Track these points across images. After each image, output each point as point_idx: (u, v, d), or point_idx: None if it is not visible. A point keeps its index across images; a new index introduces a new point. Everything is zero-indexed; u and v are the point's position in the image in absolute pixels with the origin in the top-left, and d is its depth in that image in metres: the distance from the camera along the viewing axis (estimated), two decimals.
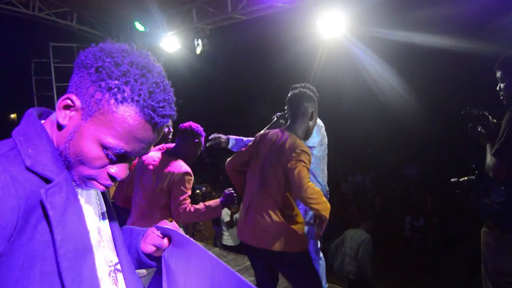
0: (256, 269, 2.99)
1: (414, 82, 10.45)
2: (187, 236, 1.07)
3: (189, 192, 3.03)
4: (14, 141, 0.88)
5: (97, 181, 0.94)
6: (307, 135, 2.87)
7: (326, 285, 3.89)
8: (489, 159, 2.44)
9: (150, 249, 1.16)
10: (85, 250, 0.90)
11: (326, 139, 3.68)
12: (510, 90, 2.47)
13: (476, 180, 2.66)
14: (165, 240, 1.14)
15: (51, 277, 0.82)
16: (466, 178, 2.78)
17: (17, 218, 0.78)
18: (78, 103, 0.89)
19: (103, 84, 0.87)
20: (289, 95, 2.87)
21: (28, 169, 0.83)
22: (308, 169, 2.60)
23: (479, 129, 2.61)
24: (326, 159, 3.70)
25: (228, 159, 3.07)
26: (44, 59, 7.91)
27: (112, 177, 0.95)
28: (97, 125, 0.88)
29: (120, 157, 0.93)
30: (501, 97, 2.55)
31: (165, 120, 0.93)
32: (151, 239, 1.17)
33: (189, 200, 3.04)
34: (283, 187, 2.66)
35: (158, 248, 1.15)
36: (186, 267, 1.05)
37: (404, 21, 8.49)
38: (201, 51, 6.46)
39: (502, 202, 2.42)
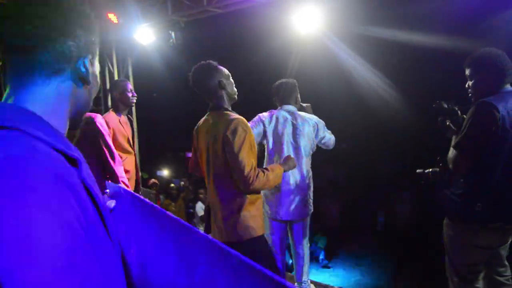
0: None
1: (390, 78, 10.61)
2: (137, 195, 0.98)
3: None
4: (16, 127, 0.74)
5: None
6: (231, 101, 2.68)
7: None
8: (450, 151, 2.53)
9: None
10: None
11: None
12: (477, 87, 2.55)
13: (439, 172, 2.74)
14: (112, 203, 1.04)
15: None
16: (430, 169, 2.86)
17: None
18: None
19: None
20: (194, 76, 2.59)
21: (57, 150, 0.75)
22: (251, 144, 2.44)
23: (447, 123, 2.71)
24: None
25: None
26: None
27: None
28: None
29: None
30: (469, 94, 2.64)
31: None
32: None
33: None
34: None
35: None
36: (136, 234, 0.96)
37: (380, 17, 8.60)
38: (173, 43, 6.38)
39: (461, 194, 2.51)
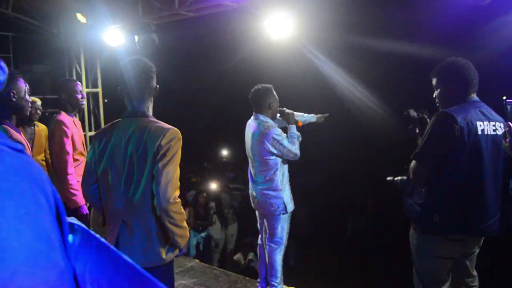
0: None
1: (363, 84, 10.77)
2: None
3: None
4: None
5: None
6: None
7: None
8: (412, 161, 2.54)
9: None
10: None
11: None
12: (443, 97, 2.59)
13: (406, 181, 2.75)
14: None
15: None
16: (399, 177, 2.85)
17: None
18: None
19: None
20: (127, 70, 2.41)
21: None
22: (178, 163, 2.20)
23: (417, 131, 2.74)
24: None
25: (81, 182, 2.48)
26: None
27: None
28: None
29: None
30: (437, 104, 2.67)
31: None
32: None
33: None
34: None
35: None
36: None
37: (353, 23, 8.76)
38: (138, 46, 6.31)
39: (421, 203, 2.52)
